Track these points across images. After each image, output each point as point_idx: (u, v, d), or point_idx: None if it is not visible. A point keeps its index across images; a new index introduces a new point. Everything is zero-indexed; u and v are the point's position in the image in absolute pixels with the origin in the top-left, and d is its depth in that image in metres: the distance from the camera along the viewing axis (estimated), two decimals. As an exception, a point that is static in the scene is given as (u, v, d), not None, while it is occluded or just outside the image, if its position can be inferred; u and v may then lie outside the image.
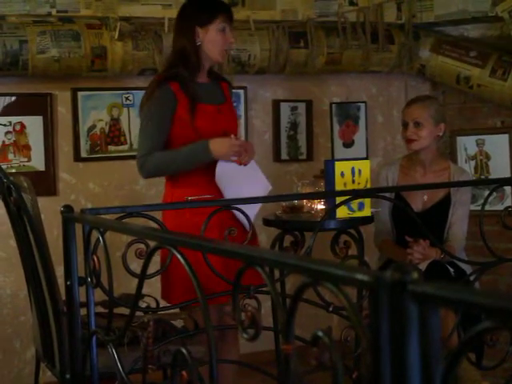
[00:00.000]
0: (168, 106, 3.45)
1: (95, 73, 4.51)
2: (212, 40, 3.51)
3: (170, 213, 3.48)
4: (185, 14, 3.58)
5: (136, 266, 2.77)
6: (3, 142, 4.50)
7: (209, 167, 3.44)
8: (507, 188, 4.99)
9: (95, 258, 2.53)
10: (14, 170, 4.45)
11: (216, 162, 3.44)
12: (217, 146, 3.40)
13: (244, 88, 5.05)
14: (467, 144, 5.25)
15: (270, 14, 4.91)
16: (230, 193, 3.44)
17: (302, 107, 5.28)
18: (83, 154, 4.69)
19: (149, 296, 3.39)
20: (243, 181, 3.49)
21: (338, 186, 3.56)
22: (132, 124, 4.78)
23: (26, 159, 4.56)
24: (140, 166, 3.48)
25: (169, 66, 3.59)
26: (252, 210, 3.35)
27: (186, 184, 3.49)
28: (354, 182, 3.59)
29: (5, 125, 4.51)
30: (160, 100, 3.44)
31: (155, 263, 3.28)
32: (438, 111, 4.00)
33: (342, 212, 3.52)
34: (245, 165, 3.50)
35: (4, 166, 4.20)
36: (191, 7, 3.58)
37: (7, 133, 4.51)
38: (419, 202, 3.97)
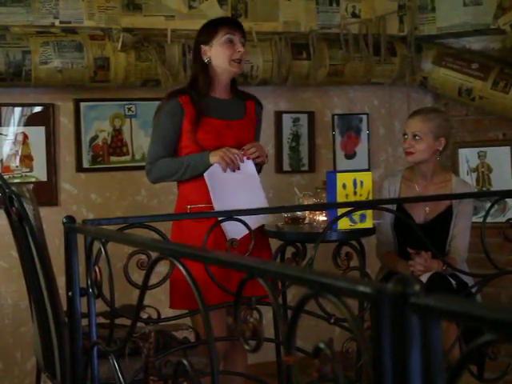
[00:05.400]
0: (174, 118, 3.60)
1: (98, 84, 4.51)
2: (217, 53, 3.61)
3: (173, 221, 3.68)
4: (195, 38, 3.74)
5: (137, 276, 2.77)
6: (6, 152, 4.51)
7: None
8: (509, 200, 4.99)
9: (97, 269, 2.53)
10: (16, 180, 4.45)
11: None
12: (214, 152, 3.54)
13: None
14: (469, 156, 5.25)
15: (272, 26, 4.92)
16: (218, 196, 3.51)
17: (304, 118, 5.28)
18: (85, 165, 4.69)
19: (150, 307, 3.39)
20: (238, 189, 3.54)
21: (340, 198, 3.56)
22: (134, 135, 4.78)
23: (28, 169, 4.56)
24: (147, 172, 3.68)
25: (185, 85, 3.79)
26: (252, 222, 3.36)
27: (188, 192, 3.63)
28: (355, 193, 3.59)
29: (7, 135, 4.51)
30: (167, 112, 3.61)
31: (157, 274, 3.28)
32: (440, 126, 3.96)
33: (343, 223, 3.51)
34: (249, 159, 3.58)
35: (6, 177, 4.22)
36: (199, 31, 3.73)
37: (10, 143, 4.51)
38: (421, 213, 3.96)
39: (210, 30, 3.64)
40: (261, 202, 3.59)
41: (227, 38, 3.60)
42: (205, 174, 3.51)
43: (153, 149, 3.64)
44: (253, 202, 3.51)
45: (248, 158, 3.58)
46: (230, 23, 3.68)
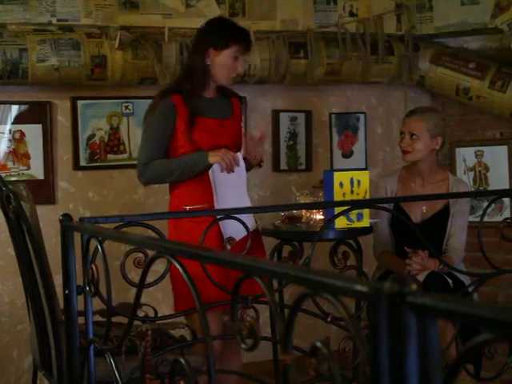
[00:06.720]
0: (168, 118, 3.56)
1: (95, 82, 4.51)
2: (222, 64, 3.58)
3: (170, 222, 3.61)
4: (202, 35, 3.67)
5: (134, 274, 2.77)
6: (2, 150, 4.50)
7: (205, 176, 3.51)
8: (506, 199, 4.99)
9: (94, 267, 2.53)
10: (13, 179, 4.44)
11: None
12: (212, 152, 3.50)
13: (244, 98, 5.04)
14: (466, 155, 5.25)
15: (270, 25, 4.91)
16: (220, 197, 3.50)
17: (301, 117, 5.28)
18: (82, 163, 4.69)
19: (147, 305, 3.39)
20: (232, 192, 3.54)
21: (337, 197, 3.56)
22: (131, 133, 4.78)
23: (25, 167, 4.55)
24: (140, 174, 3.60)
25: (176, 80, 3.76)
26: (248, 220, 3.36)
27: (184, 193, 3.60)
28: (352, 192, 3.59)
29: (4, 133, 4.50)
30: (160, 112, 3.56)
31: (154, 272, 3.28)
32: (437, 125, 3.98)
33: (340, 222, 3.52)
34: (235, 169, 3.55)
35: (3, 175, 4.21)
36: (211, 28, 3.66)
37: (6, 141, 4.51)
38: (418, 212, 3.97)
39: (225, 38, 3.58)
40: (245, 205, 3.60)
41: (236, 55, 3.59)
42: (210, 175, 3.49)
43: (145, 149, 3.59)
44: (239, 205, 3.52)
45: (257, 162, 3.61)
46: (246, 42, 3.64)
